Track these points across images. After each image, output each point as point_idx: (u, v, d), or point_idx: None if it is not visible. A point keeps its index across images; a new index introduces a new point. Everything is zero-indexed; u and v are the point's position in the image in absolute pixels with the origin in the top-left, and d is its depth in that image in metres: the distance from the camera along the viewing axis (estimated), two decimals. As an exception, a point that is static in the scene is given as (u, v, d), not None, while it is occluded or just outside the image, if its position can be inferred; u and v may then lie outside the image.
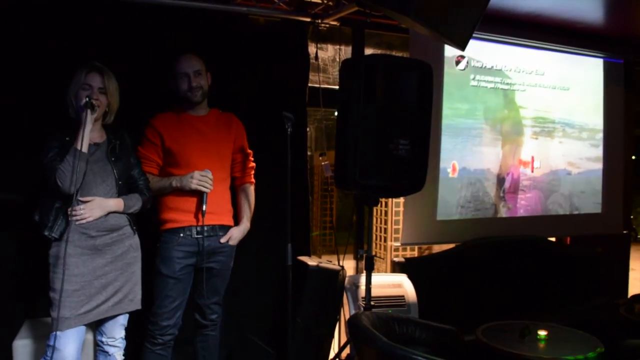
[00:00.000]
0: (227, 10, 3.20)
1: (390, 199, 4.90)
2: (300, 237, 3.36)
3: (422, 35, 3.04)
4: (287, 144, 2.60)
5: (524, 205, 4.40)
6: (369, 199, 2.97)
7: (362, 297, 3.16)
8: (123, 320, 2.45)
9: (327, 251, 6.90)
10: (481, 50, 4.10)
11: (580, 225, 4.66)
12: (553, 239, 4.73)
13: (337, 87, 3.12)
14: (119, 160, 2.39)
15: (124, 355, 2.50)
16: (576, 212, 4.64)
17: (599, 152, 4.73)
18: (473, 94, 4.13)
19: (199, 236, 2.61)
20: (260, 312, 3.37)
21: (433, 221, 4.01)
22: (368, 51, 3.98)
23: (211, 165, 2.63)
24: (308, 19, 3.46)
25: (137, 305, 2.44)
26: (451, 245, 4.16)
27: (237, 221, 2.83)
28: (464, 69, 4.08)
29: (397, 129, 2.80)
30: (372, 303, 3.01)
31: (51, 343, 2.21)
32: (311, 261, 3.18)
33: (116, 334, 2.44)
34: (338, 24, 3.63)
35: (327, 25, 3.57)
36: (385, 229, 5.11)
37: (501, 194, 4.29)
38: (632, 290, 4.90)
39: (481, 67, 4.15)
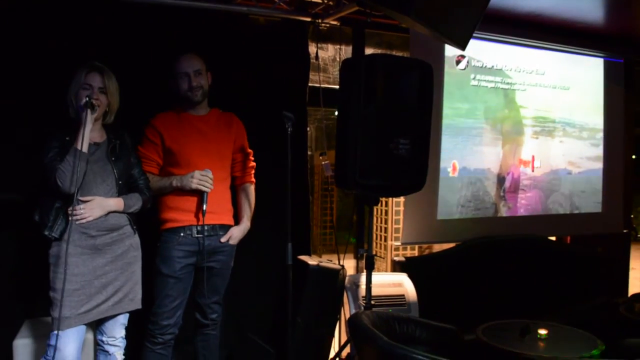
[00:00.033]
0: (228, 10, 3.21)
1: (390, 199, 4.90)
2: (300, 237, 3.36)
3: (423, 35, 3.04)
4: (287, 143, 2.60)
5: (525, 204, 4.40)
6: (369, 199, 2.97)
7: (363, 297, 3.16)
8: (123, 319, 2.45)
9: (327, 250, 6.90)
10: (481, 50, 4.10)
11: (580, 225, 4.66)
12: (553, 238, 4.73)
13: (337, 86, 3.12)
14: (119, 159, 2.39)
15: (124, 354, 2.50)
16: (576, 212, 4.64)
17: (599, 151, 4.73)
18: (473, 94, 4.13)
19: (199, 235, 2.61)
20: (261, 312, 3.37)
21: (433, 220, 4.01)
22: (368, 51, 3.98)
23: (211, 165, 2.63)
24: (308, 19, 3.46)
25: (137, 304, 2.44)
26: (451, 245, 4.16)
27: (237, 220, 2.83)
28: (465, 69, 4.08)
29: (398, 128, 2.80)
30: (372, 302, 3.01)
31: (51, 342, 2.21)
32: (311, 260, 3.18)
33: (116, 334, 2.44)
34: (338, 24, 3.63)
35: (328, 25, 3.58)
36: (386, 229, 5.11)
37: (501, 194, 4.29)
38: (632, 290, 4.91)
39: (481, 67, 4.15)
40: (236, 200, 2.87)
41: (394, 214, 4.98)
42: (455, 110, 4.05)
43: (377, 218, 5.12)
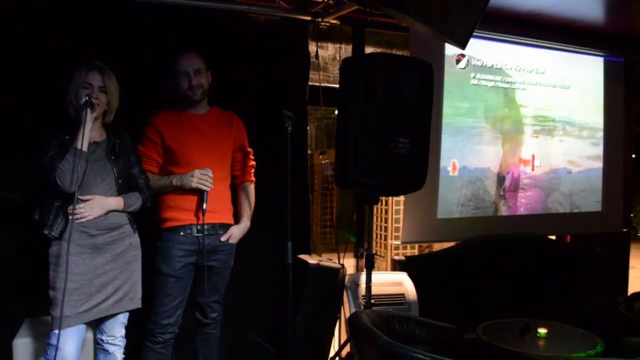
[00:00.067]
0: (228, 8, 3.20)
1: (390, 198, 4.91)
2: (300, 236, 3.36)
3: (423, 34, 3.04)
4: (287, 142, 2.60)
5: (524, 203, 4.40)
6: (369, 198, 2.97)
7: (363, 296, 3.16)
8: (123, 318, 2.45)
9: (327, 249, 6.91)
10: (481, 49, 4.10)
11: (580, 224, 4.67)
12: (553, 237, 4.73)
13: (337, 85, 3.11)
14: (118, 159, 2.39)
15: (124, 353, 2.51)
16: (576, 211, 4.64)
17: (599, 150, 4.73)
18: (473, 93, 4.13)
19: (199, 235, 2.61)
20: (261, 311, 3.37)
21: (433, 219, 4.01)
22: (368, 50, 3.97)
23: (211, 164, 2.63)
24: (308, 18, 3.46)
25: (137, 303, 2.44)
26: (451, 244, 4.16)
27: (237, 220, 2.83)
28: (465, 68, 4.08)
29: (398, 127, 2.79)
30: (372, 301, 3.01)
31: (51, 342, 2.21)
32: (311, 259, 3.18)
33: (116, 333, 2.44)
34: (338, 23, 3.62)
35: (328, 24, 3.57)
36: (386, 228, 5.12)
37: (501, 193, 4.29)
38: (632, 288, 4.91)
39: (481, 66, 4.15)
40: (236, 199, 2.87)
41: (394, 213, 4.99)
42: (455, 109, 4.05)
43: (377, 217, 5.13)
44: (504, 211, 4.31)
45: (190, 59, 2.65)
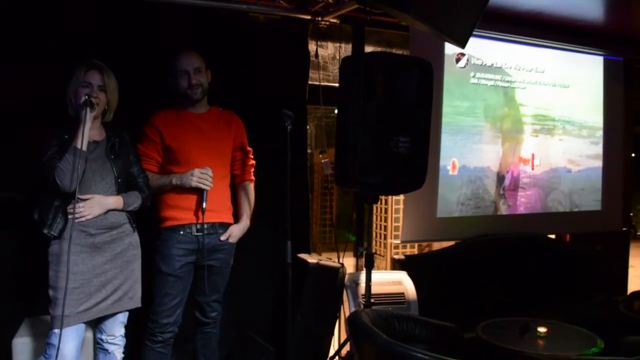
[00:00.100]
0: (227, 7, 3.20)
1: (390, 197, 4.91)
2: (300, 235, 3.36)
3: (422, 33, 3.04)
4: (287, 141, 2.60)
5: (524, 202, 4.40)
6: (369, 197, 2.97)
7: (362, 295, 3.16)
8: (123, 318, 2.45)
9: (327, 248, 6.90)
10: (481, 48, 4.10)
11: (580, 223, 4.67)
12: (553, 237, 4.73)
13: (337, 84, 3.11)
14: (118, 158, 2.39)
15: (124, 353, 2.50)
16: (576, 210, 4.65)
17: (598, 149, 4.73)
18: (473, 92, 4.13)
19: (199, 234, 2.61)
20: (260, 310, 3.37)
21: (433, 219, 4.01)
22: (368, 49, 3.97)
23: (211, 163, 2.63)
24: (308, 17, 3.46)
25: (137, 303, 2.44)
26: (451, 243, 4.16)
27: (236, 219, 2.83)
28: (464, 67, 4.08)
29: (397, 126, 2.79)
30: (372, 300, 3.01)
31: (51, 341, 2.21)
32: (311, 258, 3.18)
33: (116, 332, 2.44)
34: (338, 22, 3.62)
35: (327, 23, 3.57)
36: (385, 227, 5.12)
37: (501, 192, 4.29)
38: (632, 287, 4.91)
39: (481, 65, 4.15)
40: (236, 199, 2.87)
41: (393, 212, 4.99)
42: (455, 108, 4.05)
43: (376, 216, 5.13)
44: (503, 210, 4.31)
45: (190, 57, 2.65)
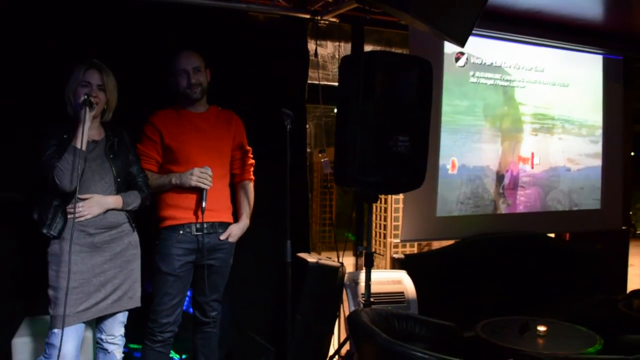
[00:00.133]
0: (227, 7, 3.20)
1: (389, 196, 4.91)
2: (299, 234, 3.36)
3: (422, 32, 3.03)
4: (286, 140, 2.60)
5: (524, 201, 4.40)
6: (369, 196, 2.97)
7: (362, 294, 3.16)
8: (122, 317, 2.45)
9: (326, 248, 6.90)
10: (481, 47, 4.10)
11: (579, 222, 4.67)
12: (552, 235, 4.74)
13: (336, 83, 3.11)
14: (117, 157, 2.39)
15: (123, 352, 2.50)
16: (575, 208, 4.65)
17: (598, 148, 4.73)
18: (472, 91, 4.13)
19: (198, 233, 2.61)
20: (260, 309, 3.37)
21: (432, 218, 4.01)
22: (367, 48, 3.97)
23: (211, 162, 2.63)
24: (307, 16, 3.46)
25: (136, 302, 2.44)
26: (451, 242, 4.16)
27: (236, 218, 2.83)
28: (464, 66, 4.08)
29: (397, 125, 2.79)
30: (371, 299, 3.02)
31: (50, 341, 2.21)
32: (311, 258, 3.18)
33: (115, 332, 2.44)
34: (337, 21, 3.62)
35: (327, 22, 3.57)
36: (385, 226, 5.12)
37: (500, 191, 4.29)
38: (631, 286, 4.91)
39: (481, 64, 4.15)
40: (235, 198, 2.87)
41: (393, 211, 4.99)
42: (454, 107, 4.05)
43: (376, 215, 5.13)
44: (503, 209, 4.31)
45: (190, 57, 2.64)
